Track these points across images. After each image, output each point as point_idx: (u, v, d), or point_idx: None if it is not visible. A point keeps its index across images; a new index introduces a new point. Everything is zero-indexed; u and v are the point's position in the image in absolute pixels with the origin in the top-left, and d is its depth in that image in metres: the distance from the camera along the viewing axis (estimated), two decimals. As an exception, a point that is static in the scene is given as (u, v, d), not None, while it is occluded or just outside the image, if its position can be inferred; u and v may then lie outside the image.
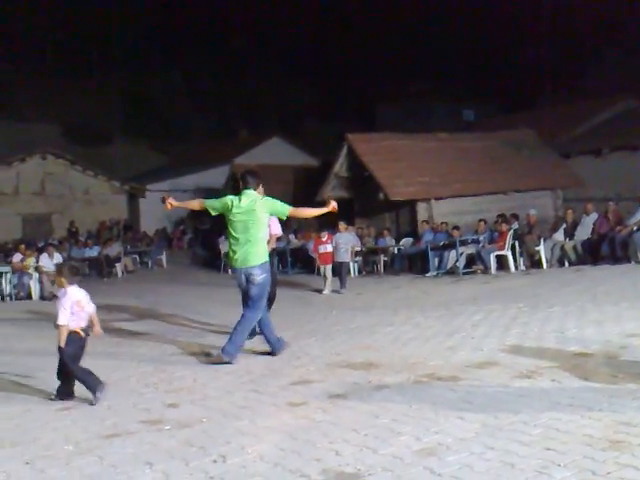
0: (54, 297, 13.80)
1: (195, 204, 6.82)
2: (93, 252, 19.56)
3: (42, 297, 13.94)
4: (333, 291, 11.92)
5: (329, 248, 12.34)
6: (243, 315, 6.28)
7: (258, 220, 6.20)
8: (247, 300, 6.36)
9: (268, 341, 6.46)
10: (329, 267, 12.17)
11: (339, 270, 12.21)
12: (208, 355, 6.49)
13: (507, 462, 3.21)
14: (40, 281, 14.20)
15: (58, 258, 14.93)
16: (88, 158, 29.97)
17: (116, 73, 43.97)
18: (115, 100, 43.81)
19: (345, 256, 12.43)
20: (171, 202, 6.57)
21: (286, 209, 6.32)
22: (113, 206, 27.71)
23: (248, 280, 6.22)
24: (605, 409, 3.91)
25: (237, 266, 6.25)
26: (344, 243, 12.48)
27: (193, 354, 6.71)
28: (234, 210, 6.20)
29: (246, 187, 6.31)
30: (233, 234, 6.25)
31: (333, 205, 6.43)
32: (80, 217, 26.28)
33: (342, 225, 12.74)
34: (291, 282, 14.14)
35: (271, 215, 6.53)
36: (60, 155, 27.44)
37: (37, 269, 14.31)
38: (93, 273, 19.32)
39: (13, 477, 3.53)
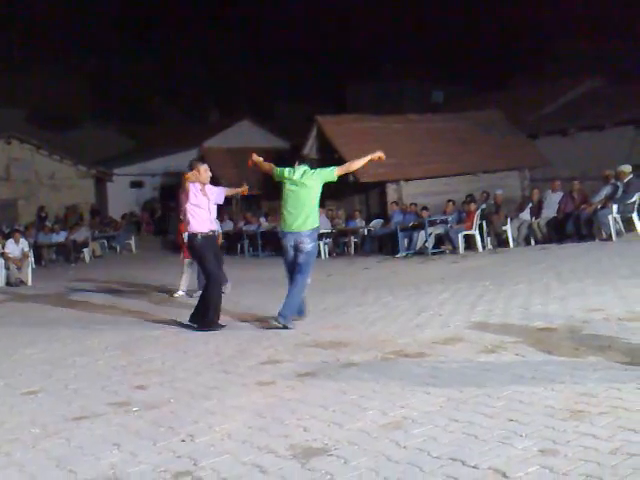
0: (21, 283, 13.64)
1: (267, 166, 7.10)
2: (60, 237, 19.29)
3: (8, 283, 13.73)
4: (188, 292, 9.71)
5: None
6: (295, 280, 6.59)
7: (309, 191, 6.68)
8: (294, 267, 6.63)
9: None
10: (188, 261, 9.72)
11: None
12: (264, 322, 6.81)
13: (470, 433, 3.27)
14: (6, 267, 13.97)
15: (24, 244, 14.73)
16: (54, 143, 29.39)
17: (82, 55, 43.10)
18: (82, 83, 42.96)
19: None
20: (254, 158, 6.93)
21: (333, 172, 6.82)
22: (80, 191, 27.29)
23: (297, 247, 6.60)
24: (567, 381, 4.00)
25: (288, 230, 6.65)
26: None
27: (161, 337, 6.69)
28: (287, 181, 6.73)
29: (301, 163, 6.91)
30: (286, 203, 6.72)
31: (380, 154, 6.81)
32: (46, 202, 25.84)
33: None
34: (262, 264, 14.15)
35: (323, 183, 6.86)
36: (25, 140, 26.88)
37: (3, 255, 14.07)
38: (60, 259, 19.10)
39: (-22, 461, 3.50)
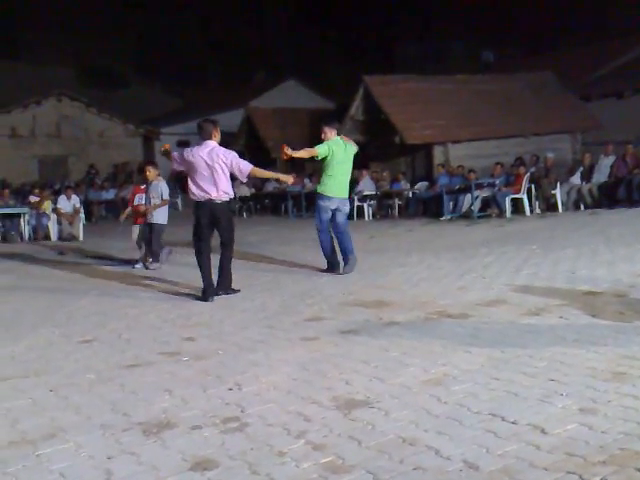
0: (72, 238, 14.07)
1: (305, 154, 7.46)
2: (109, 195, 19.75)
3: (60, 238, 14.19)
4: (144, 264, 8.97)
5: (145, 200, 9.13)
6: (344, 233, 7.50)
7: (350, 160, 7.62)
8: (334, 224, 7.52)
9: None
10: (137, 228, 9.18)
11: (148, 235, 8.98)
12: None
13: (511, 391, 3.32)
14: (59, 222, 14.42)
15: (76, 200, 15.14)
16: (103, 101, 29.91)
17: (131, 15, 43.28)
18: (130, 43, 43.29)
19: (156, 215, 8.98)
20: (288, 152, 7.05)
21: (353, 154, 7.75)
22: (128, 149, 27.75)
23: (338, 208, 7.46)
24: (610, 344, 4.00)
25: (337, 196, 7.44)
26: (154, 197, 9.05)
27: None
28: (339, 153, 7.39)
29: (338, 134, 7.67)
30: (336, 172, 7.39)
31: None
32: (96, 160, 26.41)
33: (151, 171, 9.19)
34: (305, 225, 14.22)
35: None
36: (75, 97, 27.41)
37: (55, 211, 14.51)
38: (110, 215, 19.55)
39: (39, 403, 3.69)
